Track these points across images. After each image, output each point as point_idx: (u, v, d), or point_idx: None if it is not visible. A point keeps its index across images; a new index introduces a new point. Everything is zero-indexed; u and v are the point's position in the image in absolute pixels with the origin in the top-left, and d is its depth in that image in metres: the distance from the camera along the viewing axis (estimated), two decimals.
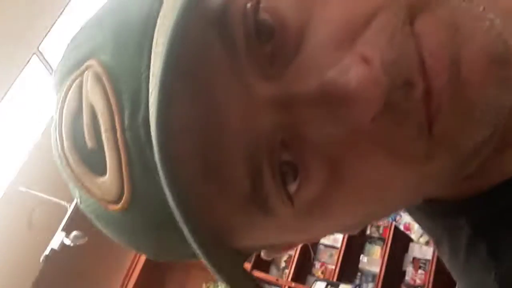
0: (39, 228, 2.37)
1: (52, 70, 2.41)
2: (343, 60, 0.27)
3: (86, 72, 0.29)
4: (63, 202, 2.26)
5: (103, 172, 0.28)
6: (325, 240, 3.09)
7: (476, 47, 0.27)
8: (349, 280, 2.91)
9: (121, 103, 0.27)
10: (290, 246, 0.39)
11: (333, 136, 0.28)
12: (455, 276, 0.39)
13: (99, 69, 0.28)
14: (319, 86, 0.27)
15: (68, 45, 0.32)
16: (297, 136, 0.28)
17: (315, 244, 3.14)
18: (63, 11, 2.39)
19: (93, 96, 0.28)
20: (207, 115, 0.27)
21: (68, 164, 0.30)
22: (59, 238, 2.31)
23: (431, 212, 0.40)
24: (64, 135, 0.30)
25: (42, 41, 2.33)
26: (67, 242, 2.30)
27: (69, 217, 2.31)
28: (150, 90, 0.26)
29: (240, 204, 0.29)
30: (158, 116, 0.25)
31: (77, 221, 2.29)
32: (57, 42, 2.40)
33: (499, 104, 0.28)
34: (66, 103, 0.30)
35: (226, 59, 0.27)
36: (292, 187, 0.29)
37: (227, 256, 0.32)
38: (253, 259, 2.93)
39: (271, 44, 0.28)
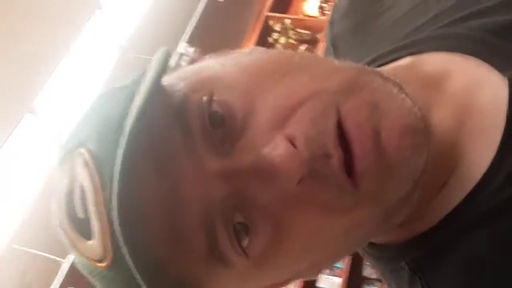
0: (35, 286, 2.35)
1: (45, 129, 2.46)
2: (274, 140, 0.34)
3: (77, 157, 0.36)
4: (58, 259, 2.26)
5: (90, 237, 0.35)
6: (322, 285, 3.07)
7: (392, 119, 0.34)
8: None
9: (104, 182, 0.33)
10: None
11: (270, 199, 0.34)
12: None
13: (86, 156, 0.35)
14: (254, 160, 0.34)
15: (68, 134, 0.40)
16: (245, 201, 0.35)
17: None
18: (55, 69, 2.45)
19: (82, 178, 0.35)
20: (167, 189, 0.34)
21: (64, 230, 0.36)
22: None
23: (378, 256, 0.46)
24: (61, 208, 0.36)
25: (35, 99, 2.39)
26: None
27: (66, 273, 2.30)
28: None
29: (202, 259, 0.35)
30: (120, 192, 0.31)
31: (72, 277, 2.28)
32: (51, 101, 2.45)
33: (415, 165, 0.35)
34: (62, 181, 0.36)
35: (183, 142, 0.34)
36: (245, 242, 0.35)
37: None
38: None
39: (222, 130, 0.35)
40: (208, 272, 0.36)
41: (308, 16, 3.70)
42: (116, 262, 0.34)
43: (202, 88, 0.36)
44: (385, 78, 0.38)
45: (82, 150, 0.35)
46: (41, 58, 2.39)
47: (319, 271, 0.44)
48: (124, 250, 0.32)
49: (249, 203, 0.35)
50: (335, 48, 0.56)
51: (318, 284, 3.07)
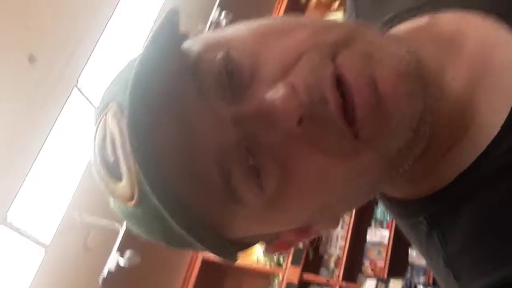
0: (95, 251, 2.48)
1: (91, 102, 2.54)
2: (276, 86, 0.37)
3: (108, 110, 0.41)
4: (115, 224, 2.37)
5: (121, 178, 0.39)
6: (372, 238, 3.09)
7: (386, 67, 0.37)
8: (400, 275, 2.89)
9: None
10: (283, 245, 0.47)
11: (276, 141, 0.38)
12: (426, 261, 0.48)
13: (115, 106, 0.40)
14: (258, 104, 0.37)
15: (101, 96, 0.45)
16: (255, 144, 0.38)
17: (362, 243, 3.14)
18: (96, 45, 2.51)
19: (112, 126, 0.40)
20: (185, 134, 0.38)
21: (100, 175, 0.41)
22: (114, 259, 2.41)
23: (397, 211, 0.49)
24: (96, 154, 0.41)
25: (80, 75, 2.46)
26: (122, 263, 2.40)
27: (122, 238, 2.42)
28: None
29: (218, 197, 0.39)
30: (131, 123, 0.36)
31: (129, 241, 2.39)
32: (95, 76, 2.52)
33: (411, 112, 0.37)
34: (97, 133, 0.42)
35: (197, 90, 0.38)
36: (258, 182, 0.39)
37: (217, 239, 0.41)
38: (302, 262, 2.97)
39: (233, 82, 0.39)
40: (226, 211, 0.40)
41: None
42: (143, 198, 0.38)
43: (215, 47, 0.40)
44: (381, 33, 0.41)
45: (111, 104, 0.41)
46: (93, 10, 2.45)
47: (336, 218, 0.47)
48: (148, 184, 0.36)
49: (258, 146, 0.38)
50: (356, 6, 0.58)
51: (368, 238, 3.10)
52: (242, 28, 0.43)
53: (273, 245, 0.47)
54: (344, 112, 0.37)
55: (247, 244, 0.46)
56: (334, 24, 0.42)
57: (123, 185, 0.39)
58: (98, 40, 2.54)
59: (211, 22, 3.19)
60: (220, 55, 0.39)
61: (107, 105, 0.41)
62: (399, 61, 0.38)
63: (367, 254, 3.08)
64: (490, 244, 0.40)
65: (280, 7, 3.79)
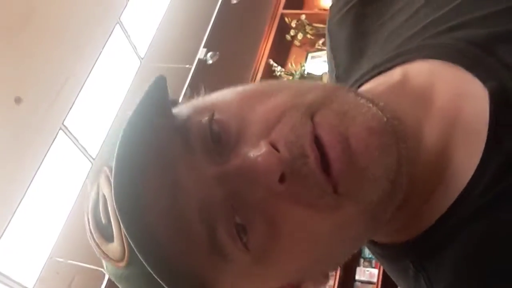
0: None
1: (78, 142, 2.53)
2: (259, 145, 0.39)
3: (102, 174, 0.42)
4: (100, 269, 2.32)
5: (112, 240, 0.41)
6: (360, 276, 3.07)
7: (358, 125, 0.39)
8: None
9: None
10: None
11: (260, 197, 0.39)
12: None
13: (108, 172, 0.42)
14: (241, 162, 0.39)
15: (97, 157, 0.49)
16: (241, 202, 0.39)
17: (352, 281, 3.12)
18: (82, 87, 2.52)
19: (104, 190, 0.41)
20: (172, 193, 0.39)
21: (92, 237, 0.42)
22: None
23: (384, 255, 0.51)
24: (89, 217, 0.43)
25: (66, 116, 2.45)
26: None
27: (107, 283, 2.36)
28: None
29: (204, 253, 0.39)
30: (116, 186, 0.37)
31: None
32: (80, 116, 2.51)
33: (385, 164, 0.40)
34: (91, 195, 0.43)
35: (185, 154, 0.40)
36: (244, 239, 0.39)
37: None
38: None
39: (220, 144, 0.40)
40: (215, 269, 0.40)
41: (324, 9, 3.70)
42: (132, 259, 0.40)
43: (202, 111, 0.42)
44: (356, 94, 0.44)
45: (105, 168, 0.42)
46: (68, 73, 2.45)
47: (325, 274, 0.48)
48: (136, 248, 0.36)
49: (243, 204, 0.39)
50: (334, 57, 0.61)
51: (357, 277, 3.07)
52: (227, 93, 0.45)
53: None
54: (323, 167, 0.38)
55: None
56: (313, 86, 0.45)
57: (114, 247, 0.40)
58: (85, 81, 2.54)
59: (197, 61, 3.23)
60: (206, 117, 0.41)
61: (101, 169, 0.43)
62: (371, 118, 0.40)
63: None
64: (474, 284, 0.41)
65: (266, 45, 3.85)
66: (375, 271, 3.00)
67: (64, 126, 2.46)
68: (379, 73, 0.51)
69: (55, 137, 2.39)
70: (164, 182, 0.39)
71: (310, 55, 3.69)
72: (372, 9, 0.58)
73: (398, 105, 0.44)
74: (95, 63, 2.63)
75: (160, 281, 0.37)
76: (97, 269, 2.30)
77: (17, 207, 2.18)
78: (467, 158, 0.42)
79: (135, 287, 0.42)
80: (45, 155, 2.31)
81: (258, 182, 0.38)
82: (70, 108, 2.46)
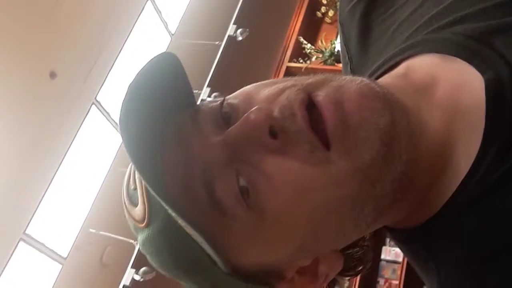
0: (111, 267, 2.49)
1: (110, 116, 2.57)
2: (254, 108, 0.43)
3: None
4: (131, 241, 2.38)
5: (137, 204, 0.45)
6: (386, 256, 3.07)
7: (351, 92, 0.43)
8: None
9: None
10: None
11: (256, 154, 0.43)
12: (426, 286, 0.50)
13: None
14: (238, 123, 0.43)
15: None
16: (243, 162, 0.43)
17: (377, 261, 3.12)
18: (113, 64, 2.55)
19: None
20: (184, 157, 0.44)
21: (125, 203, 0.47)
22: (129, 275, 2.42)
23: (398, 240, 0.53)
24: (124, 185, 0.48)
25: (99, 91, 2.50)
26: (137, 277, 2.41)
27: (137, 254, 2.43)
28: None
29: (207, 208, 0.43)
30: (146, 160, 0.42)
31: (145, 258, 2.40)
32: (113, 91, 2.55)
33: (376, 123, 0.42)
34: (129, 166, 0.49)
35: (197, 131, 0.45)
36: (248, 201, 0.43)
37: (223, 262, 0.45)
38: None
39: (229, 122, 0.45)
40: (218, 223, 0.44)
41: None
42: (152, 216, 0.44)
43: (216, 101, 0.48)
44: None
45: None
46: (97, 49, 2.49)
47: (337, 255, 0.49)
48: (159, 197, 0.41)
49: (244, 163, 0.43)
50: (348, 48, 0.64)
51: (382, 256, 3.08)
52: (238, 90, 0.50)
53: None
54: (313, 126, 0.42)
55: (257, 279, 0.48)
56: (314, 74, 0.48)
57: (137, 210, 0.45)
58: (117, 56, 2.58)
59: (227, 38, 3.22)
60: (218, 102, 0.47)
61: None
62: (364, 86, 0.44)
63: (382, 273, 3.06)
64: (479, 267, 0.43)
65: (296, 22, 3.81)
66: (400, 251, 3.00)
67: (97, 101, 2.51)
68: (390, 67, 0.54)
69: (88, 111, 2.43)
70: (178, 148, 0.45)
71: None
72: (381, 0, 0.61)
73: (401, 95, 0.47)
74: (126, 39, 2.66)
75: (177, 238, 0.43)
76: (128, 241, 2.37)
77: (52, 179, 2.25)
78: (469, 145, 0.44)
79: (156, 248, 0.45)
80: (79, 129, 2.37)
81: (251, 137, 0.42)
82: (103, 83, 2.51)
